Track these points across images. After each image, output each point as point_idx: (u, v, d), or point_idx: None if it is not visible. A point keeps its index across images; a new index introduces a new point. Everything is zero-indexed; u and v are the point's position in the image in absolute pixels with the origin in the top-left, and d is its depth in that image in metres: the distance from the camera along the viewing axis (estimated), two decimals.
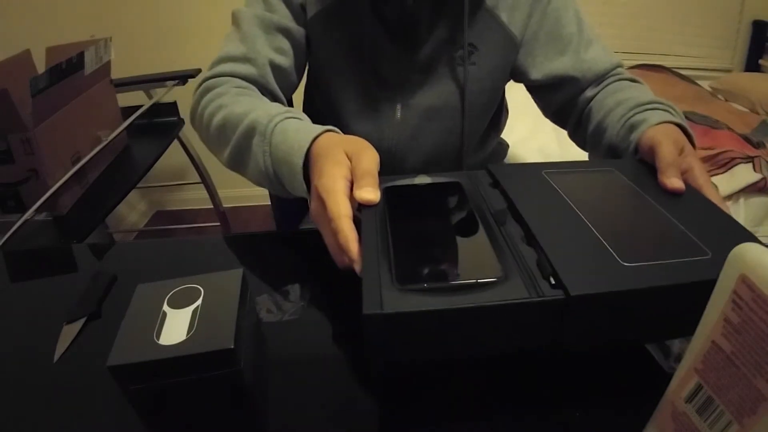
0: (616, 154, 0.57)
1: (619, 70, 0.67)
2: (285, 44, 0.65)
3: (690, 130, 0.51)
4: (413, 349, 0.32)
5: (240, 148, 0.53)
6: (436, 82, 0.68)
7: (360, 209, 0.41)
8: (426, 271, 0.33)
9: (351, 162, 0.42)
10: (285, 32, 0.65)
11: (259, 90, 0.63)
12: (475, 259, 0.35)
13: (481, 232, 0.37)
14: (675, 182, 0.42)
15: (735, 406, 0.25)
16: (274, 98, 0.65)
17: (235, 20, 0.65)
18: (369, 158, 0.42)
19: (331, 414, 0.38)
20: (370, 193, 0.40)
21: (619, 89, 0.63)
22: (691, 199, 0.42)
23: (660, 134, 0.47)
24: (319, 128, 0.48)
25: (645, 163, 0.48)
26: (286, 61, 0.65)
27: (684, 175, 0.44)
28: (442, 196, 0.44)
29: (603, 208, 0.40)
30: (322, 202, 0.40)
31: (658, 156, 0.44)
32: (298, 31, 0.66)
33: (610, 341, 0.36)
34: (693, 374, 0.28)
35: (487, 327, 0.31)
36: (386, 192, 0.43)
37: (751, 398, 0.24)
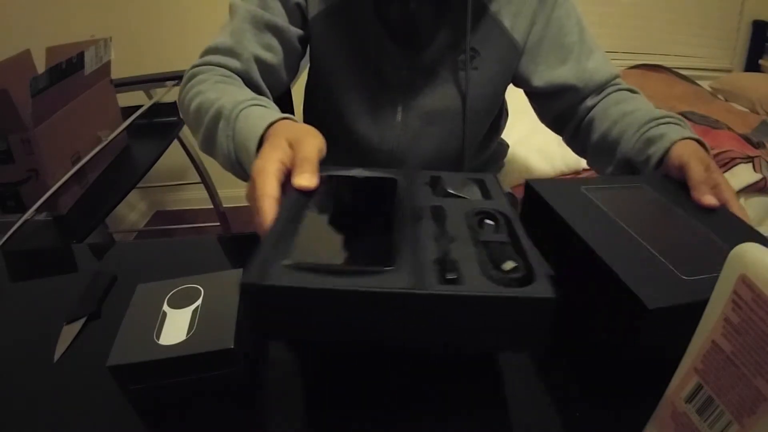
0: (630, 165, 0.59)
1: (618, 80, 0.69)
2: (274, 42, 0.65)
3: (707, 145, 0.53)
4: (290, 326, 0.32)
5: (209, 132, 0.54)
6: (438, 85, 0.68)
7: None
8: (320, 254, 0.33)
9: (293, 149, 0.42)
10: (275, 30, 0.65)
11: (244, 83, 0.63)
12: (374, 250, 0.35)
13: (391, 228, 0.37)
14: (709, 199, 0.45)
15: (735, 406, 0.25)
16: (258, 92, 0.65)
17: (231, 12, 0.66)
18: (310, 145, 0.42)
19: (331, 414, 0.38)
20: (306, 179, 0.39)
21: (622, 100, 0.65)
22: (720, 213, 0.44)
23: (688, 154, 0.49)
24: (277, 115, 0.48)
25: (669, 178, 0.50)
26: (273, 58, 0.65)
27: (711, 190, 0.46)
28: (370, 190, 0.44)
29: (648, 224, 0.42)
30: (254, 183, 0.40)
31: (689, 175, 0.47)
32: (291, 30, 0.66)
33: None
34: (693, 374, 0.28)
35: (357, 313, 0.31)
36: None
37: (751, 398, 0.24)
